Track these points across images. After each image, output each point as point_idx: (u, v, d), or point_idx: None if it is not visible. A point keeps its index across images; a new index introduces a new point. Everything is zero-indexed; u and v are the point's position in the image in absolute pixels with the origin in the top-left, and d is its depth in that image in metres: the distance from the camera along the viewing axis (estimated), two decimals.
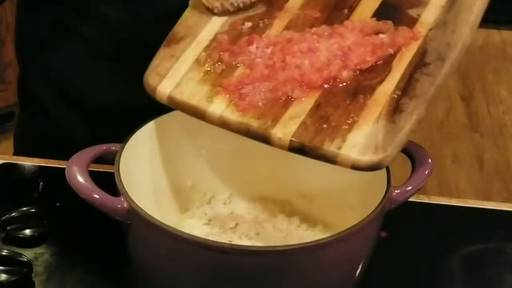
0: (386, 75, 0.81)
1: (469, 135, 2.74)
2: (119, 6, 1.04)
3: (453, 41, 0.83)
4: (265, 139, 0.78)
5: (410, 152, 0.84)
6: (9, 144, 2.24)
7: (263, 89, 0.80)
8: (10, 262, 0.85)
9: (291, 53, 0.82)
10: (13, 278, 0.84)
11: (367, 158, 0.75)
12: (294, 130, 0.77)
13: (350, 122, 0.78)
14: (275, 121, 0.78)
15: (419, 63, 0.82)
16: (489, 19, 3.46)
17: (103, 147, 0.83)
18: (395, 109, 0.78)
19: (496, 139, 2.72)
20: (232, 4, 0.86)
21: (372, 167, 0.76)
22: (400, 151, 0.78)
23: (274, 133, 0.78)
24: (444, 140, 2.69)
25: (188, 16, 0.88)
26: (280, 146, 0.78)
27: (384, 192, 0.79)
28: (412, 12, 0.86)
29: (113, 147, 0.83)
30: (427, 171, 0.83)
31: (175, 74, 0.83)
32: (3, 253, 0.86)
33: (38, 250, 0.90)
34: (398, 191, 0.81)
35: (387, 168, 0.81)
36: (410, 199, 0.82)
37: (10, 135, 2.32)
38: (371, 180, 0.82)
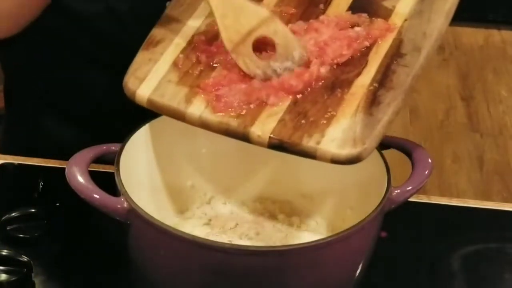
0: (363, 68, 0.81)
1: (469, 135, 2.73)
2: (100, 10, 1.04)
3: (428, 30, 0.83)
4: (244, 137, 0.78)
5: (410, 152, 0.84)
6: None
7: (239, 92, 0.80)
8: (10, 262, 0.85)
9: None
10: (13, 278, 0.84)
11: (346, 151, 0.75)
12: (273, 127, 0.77)
13: (328, 116, 0.77)
14: (254, 119, 0.78)
15: (395, 54, 0.82)
16: (489, 19, 3.48)
17: (103, 147, 0.83)
18: (372, 101, 0.78)
19: (496, 139, 2.72)
20: (275, 71, 0.82)
21: (351, 160, 0.76)
22: (378, 144, 0.77)
23: (253, 131, 0.78)
24: (444, 140, 2.69)
25: (165, 19, 0.88)
26: (260, 144, 0.78)
27: (384, 192, 0.79)
28: (387, 3, 0.86)
29: (113, 147, 0.83)
30: (427, 171, 0.83)
31: (154, 77, 0.83)
32: (3, 253, 0.86)
33: (38, 250, 0.90)
34: (398, 191, 0.81)
35: (387, 168, 0.81)
36: (410, 199, 0.82)
37: None
38: (371, 180, 0.82)
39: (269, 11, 0.83)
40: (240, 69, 0.81)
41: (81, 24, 1.04)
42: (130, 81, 0.83)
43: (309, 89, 0.80)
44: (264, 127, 0.77)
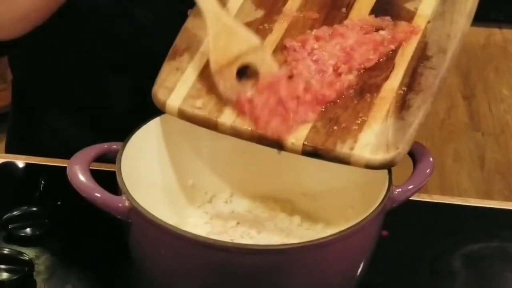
0: (390, 72, 0.81)
1: (470, 134, 2.73)
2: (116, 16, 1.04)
3: (452, 32, 0.83)
4: (278, 145, 0.79)
5: (411, 151, 0.84)
6: None
7: (270, 101, 0.80)
8: (12, 261, 0.85)
9: (296, 68, 0.81)
10: (15, 277, 0.84)
11: (380, 156, 0.76)
12: (306, 134, 0.78)
13: (359, 122, 0.78)
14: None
15: (421, 56, 0.82)
16: (491, 18, 3.47)
17: (104, 146, 0.83)
18: (402, 105, 0.79)
19: (498, 138, 2.72)
20: (250, 100, 0.80)
21: (385, 165, 0.77)
22: (411, 146, 0.78)
23: (287, 139, 0.78)
24: (445, 139, 2.69)
25: (189, 27, 0.88)
26: (294, 151, 0.78)
27: (385, 191, 0.79)
28: (409, 5, 0.86)
29: (114, 146, 0.83)
30: (428, 170, 0.83)
31: (183, 86, 0.83)
32: (5, 252, 0.87)
33: (40, 248, 0.90)
34: (400, 190, 0.81)
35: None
36: (411, 198, 0.82)
37: None
38: (373, 179, 0.82)
39: (260, 40, 0.82)
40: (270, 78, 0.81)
41: (94, 25, 1.04)
42: (159, 92, 0.83)
43: (342, 97, 0.80)
44: (297, 134, 0.78)
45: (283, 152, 0.80)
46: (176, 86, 0.83)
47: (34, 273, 0.86)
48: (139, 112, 0.85)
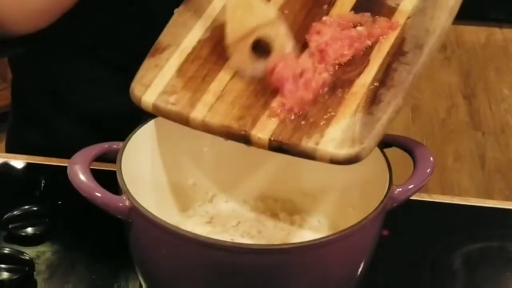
0: (364, 67, 0.81)
1: (471, 134, 2.74)
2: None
3: (432, 27, 0.82)
4: (246, 140, 0.78)
5: (412, 150, 0.84)
6: None
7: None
8: (12, 261, 0.85)
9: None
10: (15, 276, 0.84)
11: (344, 151, 0.75)
12: (273, 129, 0.78)
13: (328, 117, 0.77)
14: (255, 120, 0.78)
15: (397, 52, 0.81)
16: (491, 17, 3.47)
17: (105, 145, 0.83)
18: (372, 100, 0.78)
19: (498, 138, 2.72)
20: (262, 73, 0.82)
21: (350, 160, 0.75)
22: (379, 143, 0.77)
23: (254, 134, 0.78)
24: (446, 139, 2.69)
25: (172, 25, 0.88)
26: (261, 146, 0.78)
27: (385, 191, 0.78)
28: (391, 2, 0.86)
29: (115, 145, 0.83)
30: (429, 169, 0.83)
31: (159, 83, 0.83)
32: (5, 251, 0.87)
33: (40, 248, 0.90)
34: (400, 189, 0.81)
35: (389, 167, 0.81)
36: (412, 198, 0.82)
37: None
38: (373, 179, 0.82)
39: (277, 13, 0.82)
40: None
41: (95, 26, 1.04)
42: (136, 88, 0.83)
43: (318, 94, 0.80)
44: (264, 129, 0.78)
45: None
46: (153, 82, 0.83)
47: (35, 273, 0.86)
48: (140, 112, 0.85)
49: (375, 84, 0.79)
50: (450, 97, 2.91)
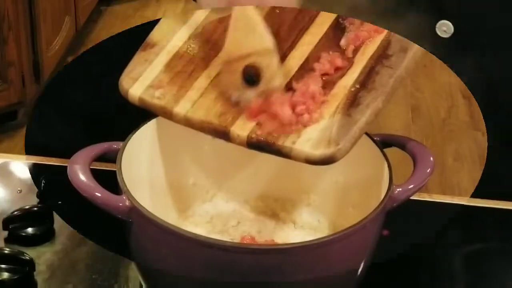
0: (348, 70, 0.81)
1: (471, 134, 2.73)
2: None
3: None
4: (225, 136, 0.79)
5: (412, 150, 0.84)
6: (11, 143, 2.25)
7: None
8: (13, 261, 0.85)
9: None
10: (16, 277, 0.84)
11: (320, 152, 0.76)
12: (252, 127, 0.78)
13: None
14: (235, 118, 0.79)
15: (382, 55, 0.82)
16: None
17: (105, 145, 0.83)
18: (352, 102, 0.78)
19: None
20: (248, 100, 0.81)
21: (325, 161, 0.76)
22: (354, 144, 0.77)
23: (233, 130, 0.79)
24: (446, 138, 2.69)
25: (163, 24, 0.89)
26: (239, 143, 0.79)
27: (386, 191, 0.79)
28: None
29: (115, 145, 0.83)
30: (429, 169, 0.83)
31: (147, 77, 0.84)
32: (6, 252, 0.87)
33: (41, 248, 0.90)
34: (400, 189, 0.81)
35: (389, 167, 0.81)
36: (412, 197, 0.82)
37: (13, 134, 2.32)
38: (373, 179, 0.82)
39: (273, 44, 0.82)
40: None
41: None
42: (124, 80, 0.85)
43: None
44: (244, 126, 0.78)
45: None
46: (142, 76, 0.84)
47: (35, 273, 0.86)
48: (140, 111, 0.85)
49: (356, 86, 0.80)
50: (450, 97, 2.91)
